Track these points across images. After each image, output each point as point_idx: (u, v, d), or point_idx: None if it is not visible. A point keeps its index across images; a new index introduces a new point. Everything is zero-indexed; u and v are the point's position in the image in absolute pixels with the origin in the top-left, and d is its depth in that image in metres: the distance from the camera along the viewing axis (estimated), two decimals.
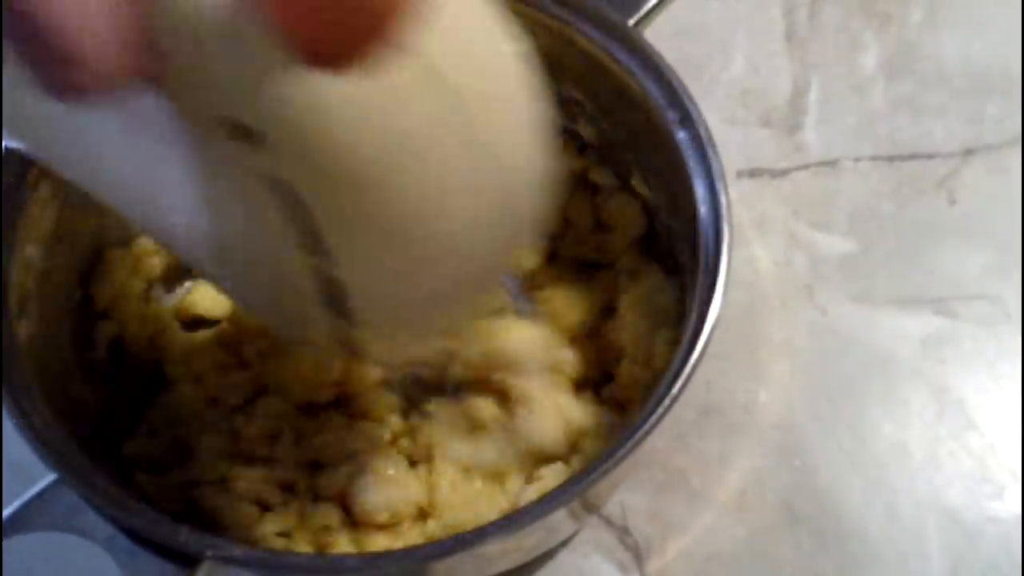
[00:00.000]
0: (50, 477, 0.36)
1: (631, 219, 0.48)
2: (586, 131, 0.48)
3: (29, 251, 0.42)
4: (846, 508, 0.48)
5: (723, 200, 0.40)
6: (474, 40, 0.27)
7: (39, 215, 0.42)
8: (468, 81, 0.26)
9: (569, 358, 0.46)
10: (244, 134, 0.25)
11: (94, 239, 0.46)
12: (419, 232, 0.28)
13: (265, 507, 0.43)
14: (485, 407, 0.45)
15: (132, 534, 0.35)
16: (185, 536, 0.34)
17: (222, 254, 0.32)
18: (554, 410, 0.44)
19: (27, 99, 0.23)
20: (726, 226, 0.39)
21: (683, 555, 0.47)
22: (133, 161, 0.29)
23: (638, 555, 0.47)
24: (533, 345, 0.45)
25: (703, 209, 0.40)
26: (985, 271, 0.53)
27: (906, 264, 0.54)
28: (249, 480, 0.43)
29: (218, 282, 0.38)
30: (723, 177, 0.40)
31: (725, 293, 0.38)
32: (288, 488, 0.44)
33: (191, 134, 0.27)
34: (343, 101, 0.24)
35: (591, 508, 0.46)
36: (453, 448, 0.44)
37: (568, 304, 0.47)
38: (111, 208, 0.32)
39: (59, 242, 0.43)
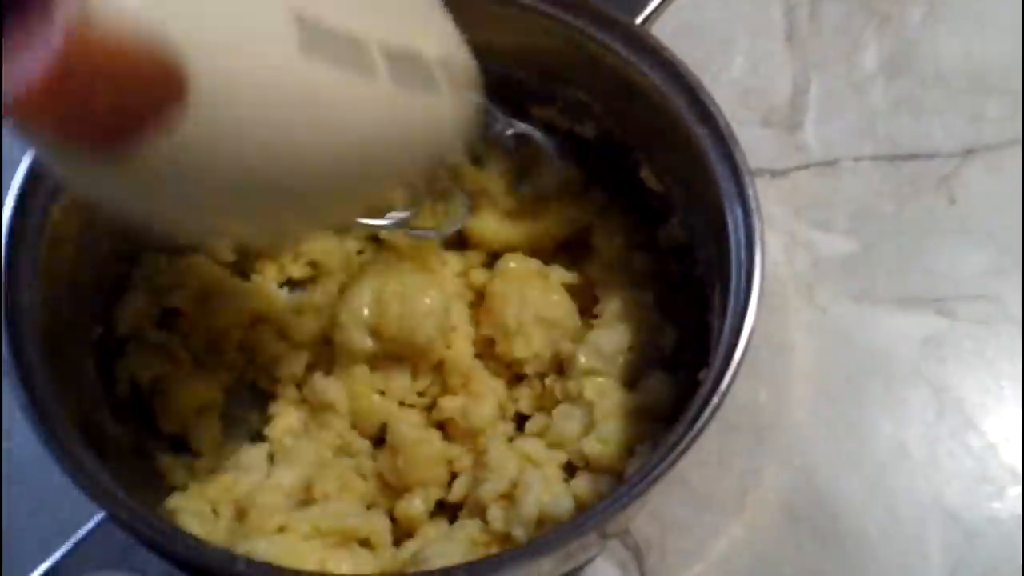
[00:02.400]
0: (100, 515, 0.35)
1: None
2: (590, 132, 0.48)
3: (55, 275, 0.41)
4: (846, 508, 0.48)
5: (751, 193, 0.40)
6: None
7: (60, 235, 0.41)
8: None
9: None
10: None
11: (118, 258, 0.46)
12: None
13: None
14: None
15: (187, 567, 0.34)
16: (243, 567, 0.34)
17: None
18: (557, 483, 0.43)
19: None
20: (757, 221, 0.39)
21: (683, 555, 0.47)
22: None
23: (638, 555, 0.47)
24: None
25: (728, 204, 0.40)
26: (985, 271, 0.53)
27: (906, 264, 0.54)
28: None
29: None
30: (750, 172, 0.40)
31: (760, 302, 0.38)
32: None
33: None
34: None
35: (607, 536, 0.45)
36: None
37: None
38: None
39: (82, 255, 0.43)
